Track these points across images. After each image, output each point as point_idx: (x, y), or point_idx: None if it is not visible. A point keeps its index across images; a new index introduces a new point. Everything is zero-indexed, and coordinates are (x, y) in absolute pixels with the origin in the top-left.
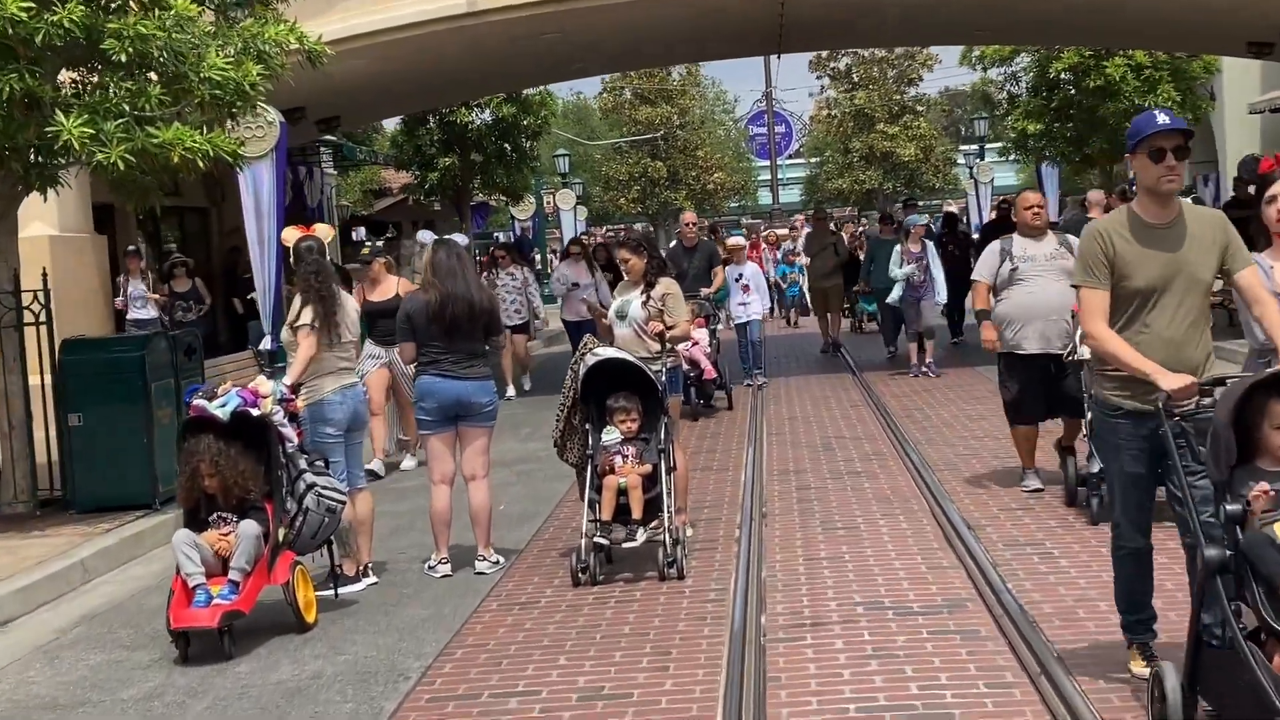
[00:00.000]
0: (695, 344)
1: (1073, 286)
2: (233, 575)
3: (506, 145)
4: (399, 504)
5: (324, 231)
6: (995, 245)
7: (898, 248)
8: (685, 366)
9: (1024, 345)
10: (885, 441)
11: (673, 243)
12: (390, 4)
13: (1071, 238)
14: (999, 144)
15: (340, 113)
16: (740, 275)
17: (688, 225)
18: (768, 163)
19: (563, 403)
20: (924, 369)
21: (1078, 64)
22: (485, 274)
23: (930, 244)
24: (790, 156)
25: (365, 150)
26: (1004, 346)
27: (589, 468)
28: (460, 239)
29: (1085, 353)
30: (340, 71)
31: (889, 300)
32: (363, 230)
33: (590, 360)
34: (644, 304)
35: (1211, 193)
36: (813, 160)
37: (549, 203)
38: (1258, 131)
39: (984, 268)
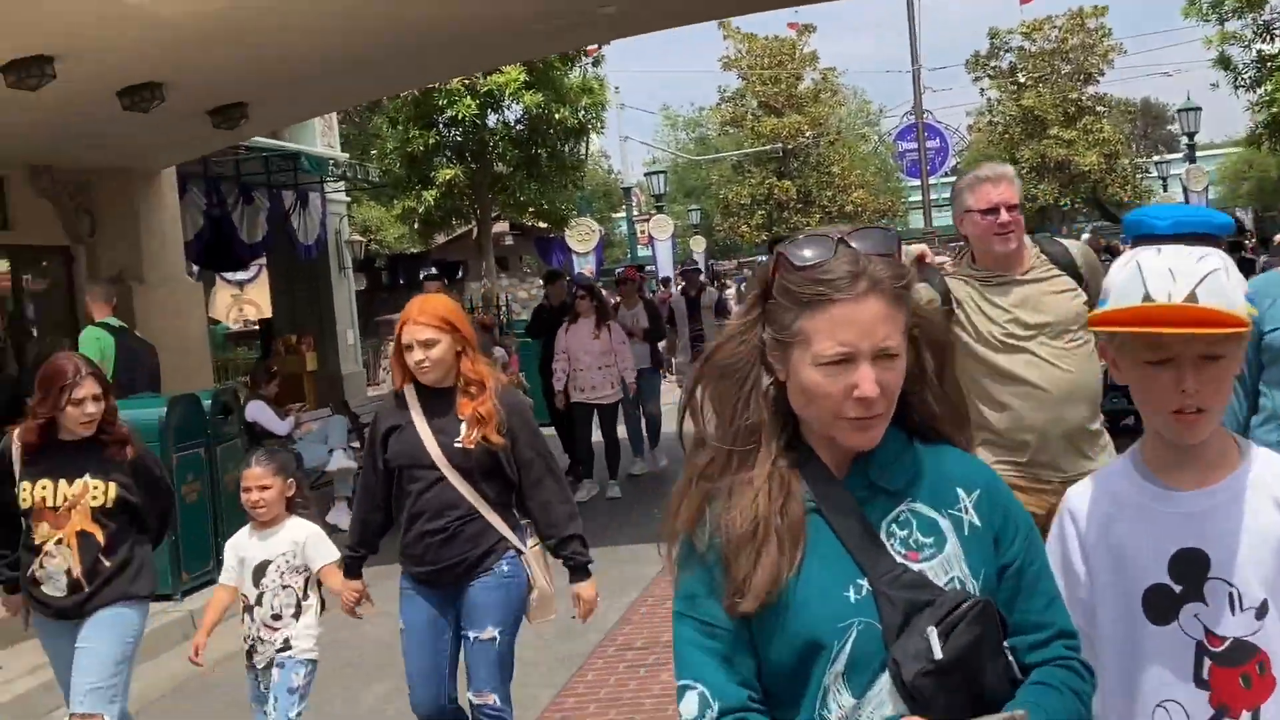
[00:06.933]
0: None
1: None
2: None
3: (539, 150)
4: None
5: None
6: None
7: None
8: None
9: None
10: None
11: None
12: None
13: None
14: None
15: (244, 97)
16: None
17: None
18: (919, 182)
19: None
20: None
21: None
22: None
23: None
24: (945, 174)
25: (349, 166)
26: None
27: None
28: None
29: None
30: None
31: None
32: (434, 271)
33: None
34: None
35: None
36: None
37: (643, 233)
38: None
39: None
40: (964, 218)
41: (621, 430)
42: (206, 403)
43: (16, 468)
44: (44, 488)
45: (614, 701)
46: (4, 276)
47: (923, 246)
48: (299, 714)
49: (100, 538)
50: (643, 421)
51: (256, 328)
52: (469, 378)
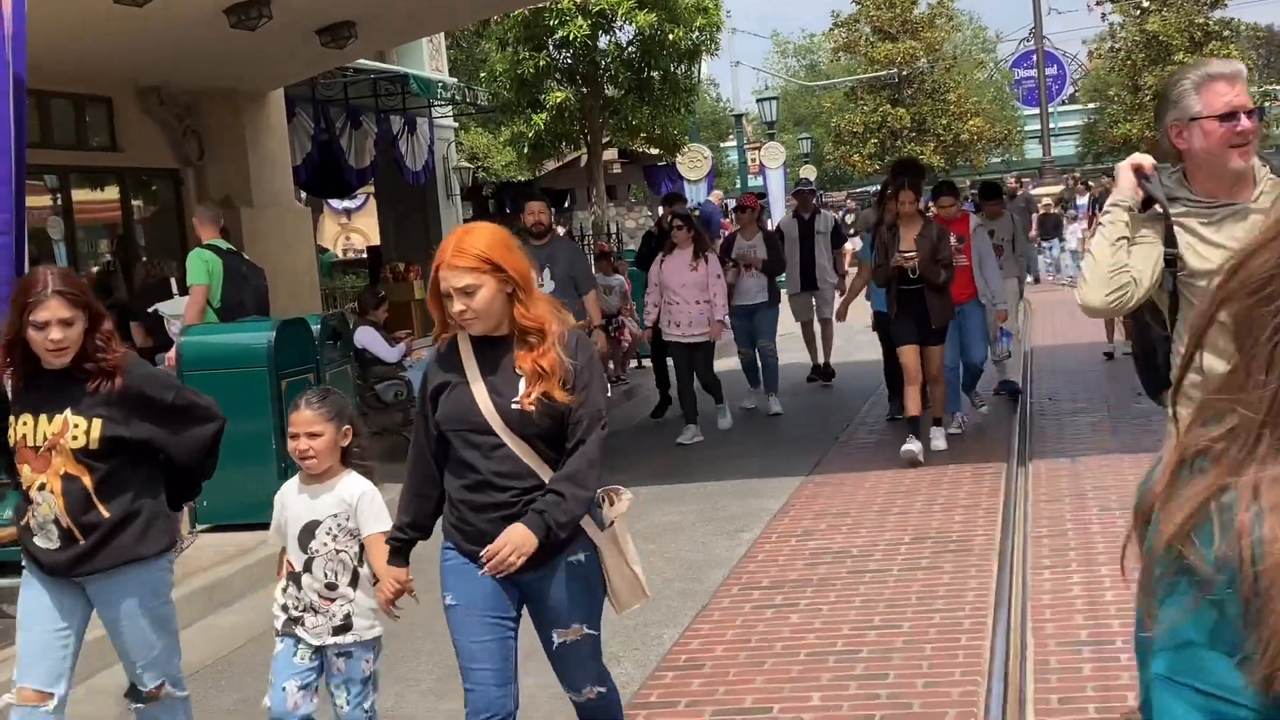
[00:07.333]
0: None
1: None
2: None
3: (652, 73)
4: None
5: None
6: None
7: None
8: None
9: None
10: None
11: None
12: None
13: None
14: None
15: (353, 16)
16: None
17: None
18: (1036, 110)
19: None
20: None
21: None
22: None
23: None
24: (1063, 102)
25: (458, 89)
26: None
27: None
28: None
29: None
30: None
31: None
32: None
33: None
34: None
35: None
36: (1090, 105)
37: (754, 161)
38: None
39: None
40: (1185, 128)
41: (730, 364)
42: (315, 327)
43: (11, 398)
44: (25, 424)
45: (742, 643)
46: (114, 200)
47: (1143, 156)
48: (374, 703)
49: (88, 482)
50: (757, 360)
51: (364, 256)
52: (524, 325)
